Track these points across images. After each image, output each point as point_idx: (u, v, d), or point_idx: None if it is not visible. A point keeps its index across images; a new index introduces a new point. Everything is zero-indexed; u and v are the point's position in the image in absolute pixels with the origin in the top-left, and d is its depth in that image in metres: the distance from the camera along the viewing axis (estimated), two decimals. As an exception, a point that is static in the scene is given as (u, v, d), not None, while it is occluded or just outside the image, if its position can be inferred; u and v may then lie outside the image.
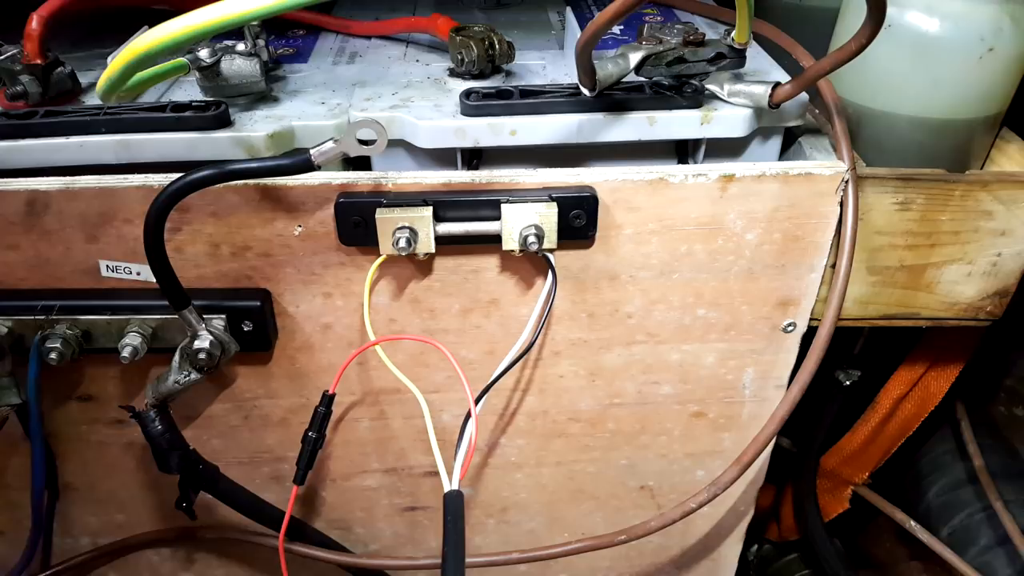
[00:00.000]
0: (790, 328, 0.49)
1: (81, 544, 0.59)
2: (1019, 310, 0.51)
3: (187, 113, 0.42)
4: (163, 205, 0.38)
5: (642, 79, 0.45)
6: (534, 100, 0.43)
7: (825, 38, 0.50)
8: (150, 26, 0.36)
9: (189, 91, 0.48)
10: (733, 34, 0.44)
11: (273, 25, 0.57)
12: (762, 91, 0.43)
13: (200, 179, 0.38)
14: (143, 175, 0.42)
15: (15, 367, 0.46)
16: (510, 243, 0.42)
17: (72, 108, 0.44)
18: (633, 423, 0.54)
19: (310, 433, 0.46)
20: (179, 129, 0.42)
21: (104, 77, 0.39)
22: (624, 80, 0.44)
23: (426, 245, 0.42)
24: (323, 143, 0.38)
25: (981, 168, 0.49)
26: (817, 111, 0.49)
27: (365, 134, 0.37)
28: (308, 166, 0.38)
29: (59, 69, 0.46)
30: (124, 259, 0.44)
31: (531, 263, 0.46)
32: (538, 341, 0.49)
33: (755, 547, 0.83)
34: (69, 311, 0.44)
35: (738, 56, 0.45)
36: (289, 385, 0.50)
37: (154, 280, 0.41)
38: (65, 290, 0.45)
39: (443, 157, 0.46)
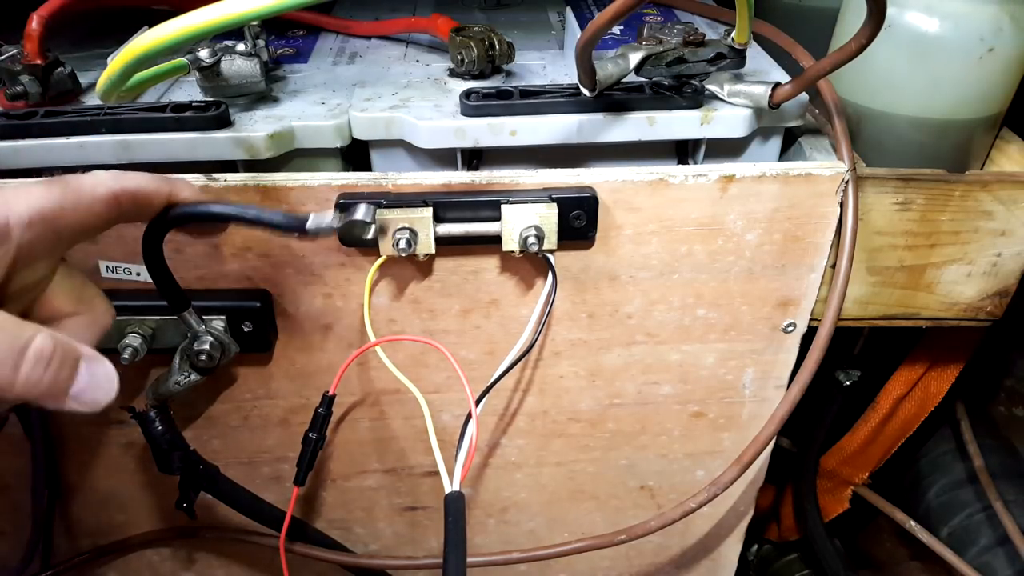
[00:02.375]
0: (790, 328, 0.49)
1: (81, 544, 0.58)
2: (1019, 310, 0.51)
3: (187, 113, 0.42)
4: (154, 231, 0.35)
5: (642, 79, 0.45)
6: (534, 100, 0.43)
7: (825, 38, 0.50)
8: (150, 26, 0.36)
9: (189, 91, 0.48)
10: (733, 34, 0.44)
11: (273, 25, 0.57)
12: (762, 91, 0.43)
13: (190, 215, 0.35)
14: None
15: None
16: (510, 244, 0.42)
17: (72, 108, 0.44)
18: (633, 423, 0.54)
19: (310, 434, 0.46)
20: (179, 129, 0.42)
21: (104, 77, 0.39)
22: (624, 80, 0.44)
23: (426, 246, 0.42)
24: (324, 213, 0.34)
25: (981, 168, 0.49)
26: (817, 111, 0.49)
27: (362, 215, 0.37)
28: (299, 229, 0.34)
29: (59, 69, 0.46)
30: (124, 260, 0.44)
31: (531, 264, 0.46)
32: (538, 342, 0.49)
33: (755, 547, 0.84)
34: (69, 311, 0.44)
35: (738, 56, 0.45)
36: (289, 386, 0.50)
37: (154, 281, 0.41)
38: (65, 290, 0.45)
39: (443, 157, 0.46)
